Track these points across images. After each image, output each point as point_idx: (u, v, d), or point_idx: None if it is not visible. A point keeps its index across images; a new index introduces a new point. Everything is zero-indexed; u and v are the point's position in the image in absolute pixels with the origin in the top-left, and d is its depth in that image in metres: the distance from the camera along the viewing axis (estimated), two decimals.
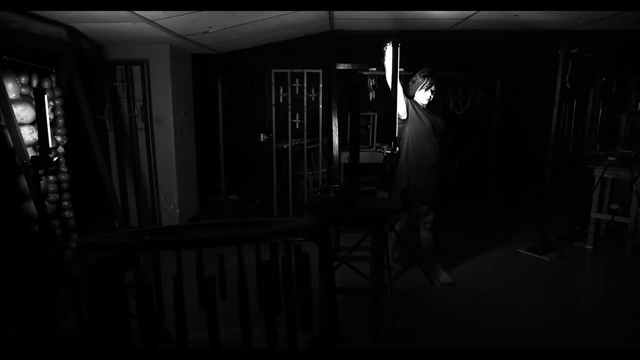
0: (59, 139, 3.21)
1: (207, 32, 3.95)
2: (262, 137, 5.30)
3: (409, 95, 3.50)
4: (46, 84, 3.09)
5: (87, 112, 3.35)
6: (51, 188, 3.10)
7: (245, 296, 1.35)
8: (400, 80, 3.46)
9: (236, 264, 1.91)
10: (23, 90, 2.90)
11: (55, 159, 2.58)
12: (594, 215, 4.34)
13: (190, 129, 5.02)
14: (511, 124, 6.25)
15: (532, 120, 6.39)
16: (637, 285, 3.67)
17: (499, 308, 3.25)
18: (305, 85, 4.74)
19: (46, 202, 2.97)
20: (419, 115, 3.44)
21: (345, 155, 4.86)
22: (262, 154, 5.41)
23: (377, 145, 5.33)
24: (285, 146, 5.04)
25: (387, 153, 3.18)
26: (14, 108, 2.65)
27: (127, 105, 4.40)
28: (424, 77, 3.42)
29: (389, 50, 3.21)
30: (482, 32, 4.88)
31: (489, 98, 5.82)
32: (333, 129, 4.90)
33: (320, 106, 4.85)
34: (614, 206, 4.34)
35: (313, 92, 4.78)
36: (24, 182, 2.75)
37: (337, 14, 4.19)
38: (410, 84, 3.52)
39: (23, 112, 2.71)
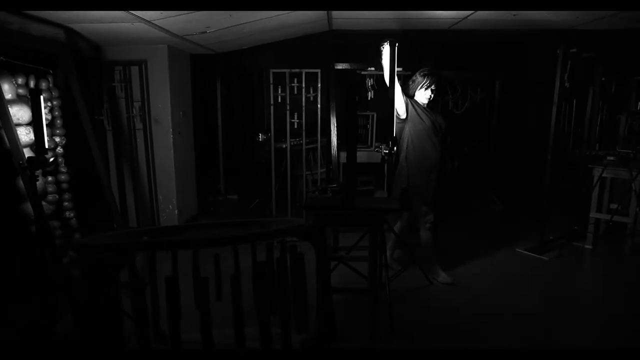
0: (57, 139, 3.21)
1: (205, 32, 3.94)
2: (260, 137, 5.29)
3: (409, 95, 3.49)
4: (43, 85, 3.09)
5: (85, 112, 3.34)
6: (50, 188, 3.10)
7: (239, 297, 1.34)
8: (399, 79, 3.45)
9: (233, 264, 1.91)
10: (20, 91, 2.90)
11: (51, 159, 2.58)
12: (593, 215, 4.33)
13: (189, 129, 5.01)
14: (511, 124, 6.25)
15: (532, 119, 6.39)
16: (637, 285, 3.66)
17: (498, 308, 3.24)
18: (303, 85, 4.73)
19: (44, 203, 2.97)
20: (419, 115, 3.43)
21: (344, 155, 4.83)
22: (261, 154, 5.40)
23: (376, 144, 5.32)
24: (284, 146, 5.03)
25: (384, 153, 3.17)
26: (10, 109, 2.65)
27: (126, 105, 4.40)
28: (424, 76, 3.41)
29: (386, 49, 3.20)
30: (481, 31, 4.88)
31: (488, 98, 5.81)
32: (331, 129, 4.89)
33: (319, 106, 4.84)
34: (614, 206, 4.33)
35: (311, 91, 4.78)
36: (22, 182, 2.75)
37: (335, 13, 4.18)
38: (410, 83, 3.51)
39: (19, 113, 2.71)
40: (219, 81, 5.70)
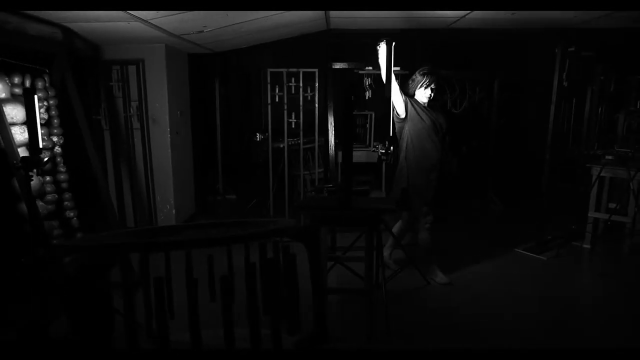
0: (55, 139, 3.20)
1: (202, 31, 3.94)
2: (258, 136, 5.28)
3: (409, 94, 3.47)
4: (40, 84, 3.08)
5: (80, 112, 3.34)
6: (49, 188, 3.10)
7: (228, 297, 1.33)
8: (396, 79, 3.44)
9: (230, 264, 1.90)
10: (16, 90, 2.89)
11: (45, 159, 2.57)
12: (591, 214, 4.31)
13: (187, 129, 5.01)
14: (510, 123, 6.22)
15: (532, 119, 6.35)
16: (636, 284, 3.65)
17: (497, 308, 3.23)
18: (301, 84, 4.72)
19: (41, 203, 2.97)
20: (418, 114, 3.40)
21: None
22: (259, 154, 5.40)
23: (374, 144, 5.31)
24: (281, 146, 5.02)
25: (381, 153, 3.15)
26: (4, 108, 2.64)
27: (123, 105, 4.39)
28: (423, 75, 3.39)
29: (382, 48, 3.18)
30: (480, 30, 4.87)
31: (487, 97, 5.79)
32: (329, 128, 4.88)
33: (317, 105, 4.83)
34: (612, 205, 4.31)
35: (309, 91, 4.77)
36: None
37: (333, 13, 4.18)
38: (410, 82, 3.48)
39: (13, 112, 2.70)
40: (218, 80, 5.70)
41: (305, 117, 4.85)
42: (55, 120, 3.21)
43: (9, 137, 2.59)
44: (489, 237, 4.71)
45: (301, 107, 4.77)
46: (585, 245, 4.34)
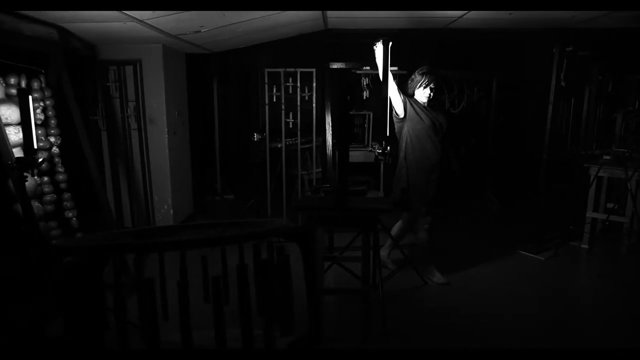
0: (52, 139, 3.19)
1: (199, 31, 3.93)
2: (255, 136, 5.28)
3: (409, 94, 3.46)
4: (35, 85, 3.08)
5: (77, 112, 3.33)
6: (47, 188, 3.09)
7: (219, 298, 1.33)
8: (394, 78, 3.43)
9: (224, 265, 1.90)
10: (12, 90, 2.88)
11: (40, 159, 2.56)
12: (589, 214, 4.31)
13: (184, 129, 5.00)
14: (508, 123, 6.22)
15: (530, 118, 6.35)
16: (634, 284, 3.64)
17: (495, 308, 3.22)
18: (298, 84, 4.72)
19: (37, 203, 2.96)
20: (417, 114, 3.39)
21: None
22: (256, 154, 5.39)
23: (373, 144, 5.31)
24: (279, 145, 5.02)
25: (378, 152, 3.15)
26: None
27: (120, 105, 4.39)
28: (422, 74, 3.38)
29: (379, 48, 3.18)
30: (478, 30, 4.86)
31: (485, 97, 5.79)
32: (327, 128, 4.87)
33: (314, 105, 4.83)
34: (610, 205, 4.31)
35: (307, 91, 4.76)
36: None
37: (331, 12, 4.17)
38: (410, 82, 3.47)
39: (7, 112, 2.69)
40: (216, 80, 5.70)
41: (303, 117, 4.85)
42: (53, 121, 3.20)
43: (3, 138, 2.58)
44: (486, 237, 4.70)
45: (299, 107, 4.77)
46: (583, 245, 4.33)
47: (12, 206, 2.81)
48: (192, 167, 5.24)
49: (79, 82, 3.90)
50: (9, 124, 2.71)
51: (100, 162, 4.36)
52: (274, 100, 4.77)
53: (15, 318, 2.58)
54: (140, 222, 4.58)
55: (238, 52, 5.46)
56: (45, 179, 3.09)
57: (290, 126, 4.82)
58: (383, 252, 3.74)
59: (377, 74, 3.47)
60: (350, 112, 5.36)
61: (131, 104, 4.38)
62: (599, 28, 4.45)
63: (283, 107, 4.78)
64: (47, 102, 3.16)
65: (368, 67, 4.84)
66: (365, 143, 5.48)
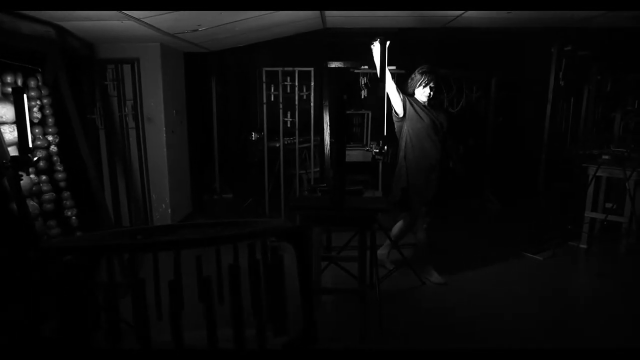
0: (50, 138, 3.18)
1: (196, 30, 3.92)
2: (253, 135, 5.27)
3: (409, 93, 3.44)
4: (32, 83, 3.07)
5: (74, 111, 3.32)
6: (45, 187, 3.08)
7: (211, 298, 1.32)
8: (393, 78, 3.42)
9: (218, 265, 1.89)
10: (8, 89, 2.87)
11: (35, 158, 2.55)
12: (588, 214, 4.30)
13: (182, 128, 5.00)
14: (507, 122, 6.21)
15: (529, 118, 6.34)
16: (634, 284, 3.64)
17: (494, 308, 3.21)
18: (296, 83, 4.70)
19: (32, 202, 2.95)
20: (417, 113, 3.38)
21: None
22: (254, 153, 5.38)
23: (371, 143, 5.30)
24: (277, 145, 5.01)
25: (375, 152, 3.13)
26: None
27: (118, 104, 4.38)
28: (422, 73, 3.37)
29: (376, 47, 3.17)
30: (477, 29, 4.85)
31: (484, 96, 5.78)
32: (325, 128, 4.86)
33: (312, 104, 4.82)
34: (609, 205, 4.30)
35: (305, 90, 4.75)
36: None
37: (329, 12, 4.16)
38: (409, 81, 3.46)
39: (2, 111, 2.69)
40: (214, 79, 5.68)
41: (301, 117, 4.84)
42: (50, 119, 3.19)
43: None
44: (485, 237, 4.70)
45: (297, 106, 4.76)
46: (581, 245, 4.33)
47: (7, 205, 2.81)
48: (191, 166, 5.23)
49: (76, 81, 3.89)
50: (4, 123, 2.70)
51: (98, 160, 4.36)
52: (272, 99, 4.76)
53: (15, 318, 2.57)
54: (138, 221, 4.57)
55: (236, 51, 5.45)
56: (44, 177, 3.08)
57: (289, 125, 4.81)
58: (382, 252, 3.73)
59: (376, 73, 3.46)
60: (349, 112, 5.35)
61: (129, 103, 4.37)
62: (598, 27, 4.44)
63: (281, 106, 4.76)
64: (45, 101, 3.15)
65: (366, 66, 4.82)
66: (364, 142, 5.47)
